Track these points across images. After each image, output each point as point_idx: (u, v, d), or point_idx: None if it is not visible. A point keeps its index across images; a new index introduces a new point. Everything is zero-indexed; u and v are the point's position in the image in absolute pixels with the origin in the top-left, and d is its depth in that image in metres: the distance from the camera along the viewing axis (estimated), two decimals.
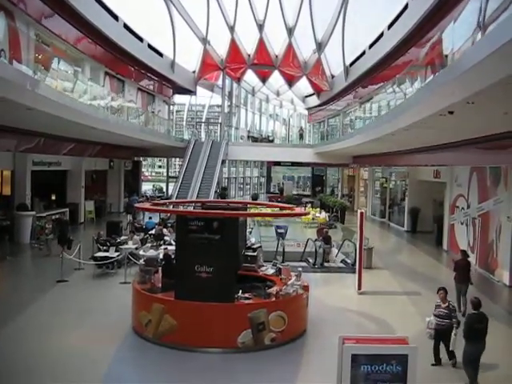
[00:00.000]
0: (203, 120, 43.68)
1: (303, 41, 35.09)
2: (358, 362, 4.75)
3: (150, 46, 28.47)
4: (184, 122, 40.67)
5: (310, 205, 31.55)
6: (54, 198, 23.29)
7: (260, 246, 11.07)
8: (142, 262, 10.12)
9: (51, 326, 9.52)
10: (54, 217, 20.21)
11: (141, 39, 27.10)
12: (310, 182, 46.41)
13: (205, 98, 42.39)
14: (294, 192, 40.79)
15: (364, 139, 20.17)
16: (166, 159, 40.79)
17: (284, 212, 10.42)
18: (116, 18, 23.37)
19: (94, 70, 22.97)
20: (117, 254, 13.85)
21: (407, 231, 24.91)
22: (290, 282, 9.38)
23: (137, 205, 10.61)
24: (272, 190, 44.45)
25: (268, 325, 8.59)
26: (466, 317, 7.97)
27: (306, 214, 12.66)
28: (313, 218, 25.81)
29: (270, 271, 10.38)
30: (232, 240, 8.76)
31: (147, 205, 11.16)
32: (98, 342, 8.74)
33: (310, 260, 15.92)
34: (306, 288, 9.69)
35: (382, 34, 25.32)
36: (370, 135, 18.66)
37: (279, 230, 19.72)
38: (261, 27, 34.57)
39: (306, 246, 16.48)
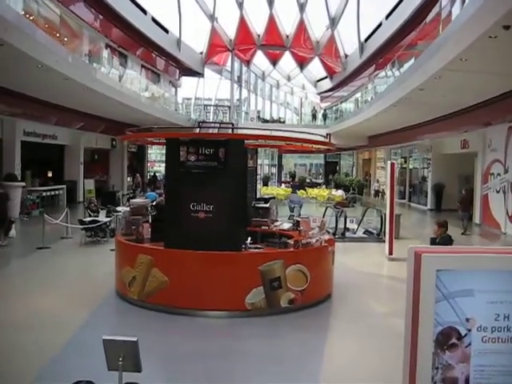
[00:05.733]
0: (211, 109, 41.74)
1: (315, 17, 33.36)
2: (446, 291, 2.46)
3: (154, 20, 26.84)
4: (192, 105, 38.65)
5: (324, 186, 29.80)
6: (50, 174, 21.68)
7: (274, 197, 9.18)
8: (127, 209, 8.28)
9: (16, 291, 7.80)
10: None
11: (144, 11, 25.54)
12: (323, 170, 44.57)
13: (211, 90, 40.57)
14: (307, 180, 39.13)
15: (385, 104, 18.25)
16: None
17: (302, 138, 8.03)
18: None
19: (93, 40, 21.26)
20: (108, 219, 12.08)
21: (431, 209, 22.83)
22: (311, 232, 7.50)
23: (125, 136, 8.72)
24: (284, 178, 42.99)
25: (285, 282, 6.66)
26: (442, 238, 7.78)
27: (329, 144, 10.76)
28: (328, 198, 24.10)
29: (286, 226, 8.50)
30: (238, 169, 6.79)
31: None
32: (68, 306, 6.96)
33: (330, 231, 14.08)
34: (331, 242, 7.80)
35: (400, 1, 23.54)
36: (394, 97, 16.75)
37: (292, 205, 17.95)
38: (271, 2, 32.82)
39: (324, 214, 14.66)
